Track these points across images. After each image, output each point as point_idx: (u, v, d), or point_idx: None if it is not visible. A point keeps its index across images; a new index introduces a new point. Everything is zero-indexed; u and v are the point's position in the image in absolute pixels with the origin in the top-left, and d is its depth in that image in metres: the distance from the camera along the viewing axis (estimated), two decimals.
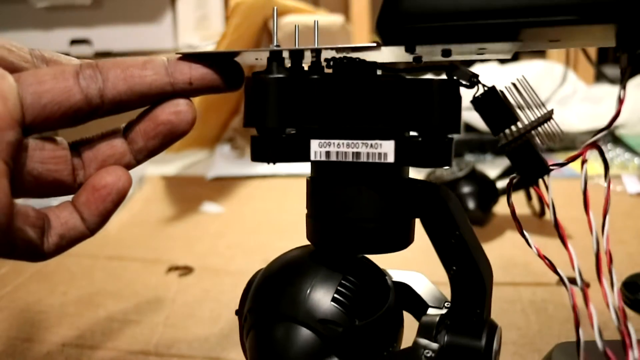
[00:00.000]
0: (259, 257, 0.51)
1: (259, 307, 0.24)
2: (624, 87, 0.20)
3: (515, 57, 1.42)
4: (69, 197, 0.25)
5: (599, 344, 0.20)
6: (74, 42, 0.90)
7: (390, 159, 0.22)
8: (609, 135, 0.78)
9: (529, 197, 0.55)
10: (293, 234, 0.56)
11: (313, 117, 0.22)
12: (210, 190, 0.68)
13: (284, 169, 0.73)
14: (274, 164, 0.23)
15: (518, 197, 0.56)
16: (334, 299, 0.23)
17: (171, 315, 0.42)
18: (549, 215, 0.57)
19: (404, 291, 0.27)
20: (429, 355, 0.23)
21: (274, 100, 0.22)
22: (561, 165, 0.23)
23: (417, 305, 0.27)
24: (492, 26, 0.20)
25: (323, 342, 0.22)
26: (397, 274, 0.28)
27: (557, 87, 0.87)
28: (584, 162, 0.22)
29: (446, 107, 0.22)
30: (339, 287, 0.23)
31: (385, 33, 0.21)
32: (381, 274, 0.27)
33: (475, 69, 0.97)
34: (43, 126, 0.22)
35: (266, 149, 0.23)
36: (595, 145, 0.22)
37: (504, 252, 0.49)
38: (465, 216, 0.24)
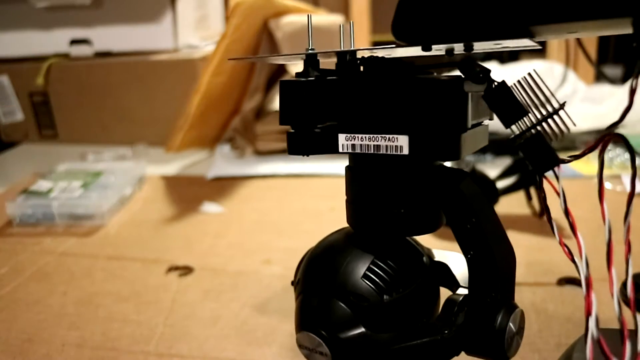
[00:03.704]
0: (259, 257, 0.51)
1: (303, 280, 0.28)
2: (636, 76, 0.20)
3: (515, 57, 1.42)
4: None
5: (594, 332, 0.21)
6: (74, 42, 0.90)
7: (405, 151, 0.24)
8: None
9: (529, 198, 0.54)
10: (293, 234, 0.56)
11: (340, 114, 0.25)
12: (210, 190, 0.68)
13: (284, 169, 0.73)
14: (308, 156, 0.26)
15: (518, 197, 0.56)
16: (364, 276, 0.26)
17: (171, 315, 0.42)
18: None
19: (442, 271, 0.29)
20: (446, 333, 0.26)
21: (306, 100, 0.26)
22: (575, 157, 0.23)
23: (451, 284, 0.29)
24: (504, 25, 0.21)
25: (353, 313, 0.26)
26: (440, 254, 0.30)
27: (557, 87, 0.87)
28: (602, 152, 0.22)
29: (451, 105, 0.23)
30: (370, 265, 0.26)
31: (401, 36, 0.23)
32: (418, 254, 0.28)
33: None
34: None
35: (301, 144, 0.26)
36: (610, 138, 0.22)
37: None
38: (484, 203, 0.26)
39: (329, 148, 0.26)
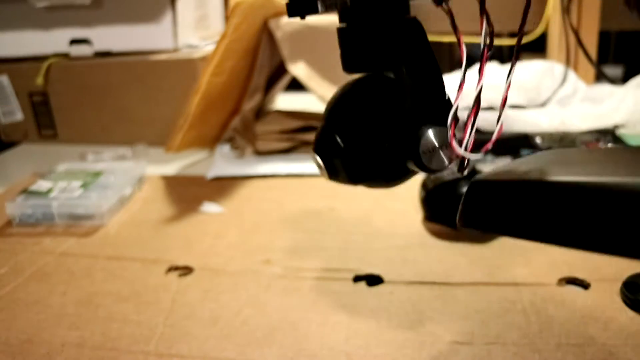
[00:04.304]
0: (259, 257, 0.51)
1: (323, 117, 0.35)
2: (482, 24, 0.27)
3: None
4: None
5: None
6: (74, 41, 0.90)
7: (347, 3, 0.31)
8: (610, 135, 0.78)
9: None
10: (293, 234, 0.56)
11: None
12: (210, 190, 0.68)
13: (284, 169, 0.73)
14: (303, 18, 0.32)
15: None
16: (346, 113, 0.33)
17: (171, 316, 0.42)
18: None
19: None
20: (387, 145, 0.32)
21: None
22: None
23: None
24: None
25: (342, 142, 0.33)
26: None
27: (557, 86, 0.87)
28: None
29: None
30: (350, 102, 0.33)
31: None
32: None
33: (476, 67, 0.97)
34: None
35: (296, 9, 0.32)
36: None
37: (504, 252, 0.48)
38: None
39: (314, 10, 0.32)
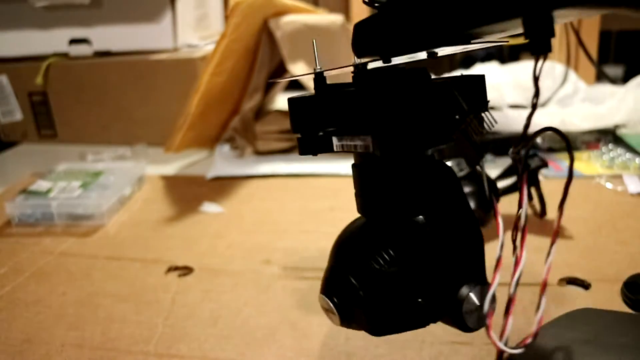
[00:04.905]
0: (259, 257, 0.51)
1: (330, 256, 0.33)
2: (536, 63, 0.24)
3: (516, 58, 1.41)
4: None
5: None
6: (73, 41, 0.90)
7: (370, 149, 0.29)
8: (611, 135, 0.78)
9: (529, 198, 0.54)
10: (293, 234, 0.56)
11: (332, 121, 0.30)
12: (210, 190, 0.68)
13: (284, 169, 0.73)
14: (316, 155, 0.31)
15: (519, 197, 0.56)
16: (367, 256, 0.30)
17: (170, 316, 0.42)
18: (549, 215, 0.56)
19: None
20: (420, 301, 0.30)
21: (309, 112, 0.31)
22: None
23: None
24: (437, 34, 0.25)
25: (358, 284, 0.30)
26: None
27: (557, 86, 0.87)
28: None
29: (392, 114, 0.28)
30: (373, 247, 0.30)
31: (361, 54, 0.30)
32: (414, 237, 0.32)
33: (476, 68, 0.97)
34: None
35: (308, 146, 0.31)
36: None
37: (504, 252, 0.48)
38: (449, 190, 0.30)
39: (329, 148, 0.31)
